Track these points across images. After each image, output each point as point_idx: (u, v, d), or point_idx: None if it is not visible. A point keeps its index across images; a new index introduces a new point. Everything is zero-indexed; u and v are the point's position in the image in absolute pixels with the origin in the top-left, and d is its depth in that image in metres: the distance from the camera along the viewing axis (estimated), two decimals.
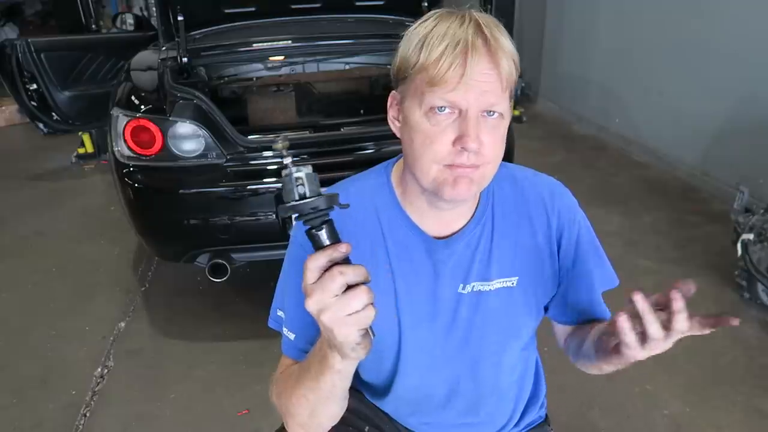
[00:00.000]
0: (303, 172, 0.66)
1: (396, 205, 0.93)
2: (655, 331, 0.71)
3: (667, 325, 0.71)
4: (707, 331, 0.72)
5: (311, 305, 0.67)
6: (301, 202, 0.66)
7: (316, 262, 0.67)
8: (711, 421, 1.97)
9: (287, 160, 0.67)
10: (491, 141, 0.81)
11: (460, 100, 0.78)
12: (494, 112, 0.80)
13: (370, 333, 0.71)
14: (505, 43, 0.80)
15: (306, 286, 0.68)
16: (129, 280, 2.93)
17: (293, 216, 0.68)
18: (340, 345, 0.70)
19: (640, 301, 0.70)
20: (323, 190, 0.68)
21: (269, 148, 2.28)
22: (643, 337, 0.72)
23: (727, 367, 2.21)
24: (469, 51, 0.77)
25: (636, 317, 0.72)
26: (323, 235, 0.68)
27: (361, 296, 0.67)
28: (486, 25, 0.79)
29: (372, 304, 0.68)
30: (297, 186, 0.66)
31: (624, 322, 0.72)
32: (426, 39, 0.80)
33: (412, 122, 0.83)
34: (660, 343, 0.72)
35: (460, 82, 0.77)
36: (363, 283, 0.68)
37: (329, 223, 0.69)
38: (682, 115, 3.93)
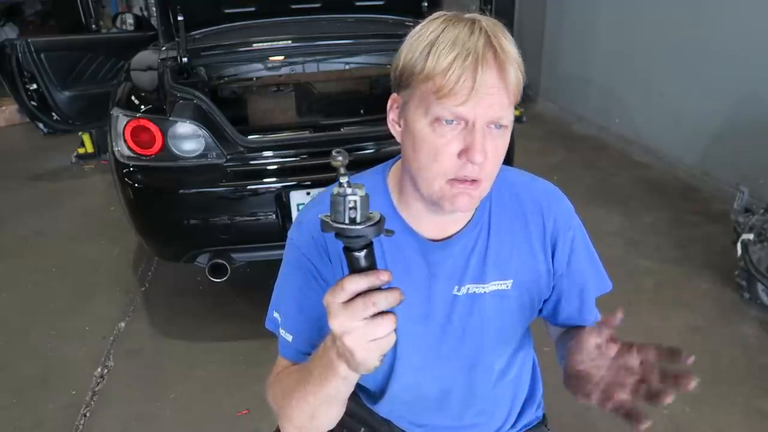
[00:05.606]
0: (358, 196, 0.63)
1: (391, 208, 0.93)
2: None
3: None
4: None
5: (336, 326, 0.66)
6: (350, 227, 0.63)
7: (356, 285, 0.65)
8: (711, 422, 1.97)
9: (344, 179, 0.63)
10: (495, 153, 0.81)
11: (467, 113, 0.77)
12: (500, 125, 0.80)
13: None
14: (512, 51, 0.79)
15: (332, 304, 0.66)
16: (129, 280, 2.93)
17: (334, 234, 0.65)
18: (356, 364, 0.69)
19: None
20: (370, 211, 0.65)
21: (269, 148, 2.28)
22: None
23: (727, 367, 2.21)
24: (479, 64, 0.75)
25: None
26: (362, 257, 0.65)
27: (387, 324, 0.66)
28: (494, 34, 0.78)
29: (395, 330, 0.67)
30: (349, 209, 0.63)
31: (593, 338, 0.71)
32: (433, 46, 0.77)
33: (416, 131, 0.81)
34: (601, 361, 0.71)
35: (469, 96, 0.76)
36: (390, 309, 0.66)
37: (370, 245, 0.66)
38: (682, 116, 3.93)
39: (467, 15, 0.80)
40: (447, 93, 0.76)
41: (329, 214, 0.65)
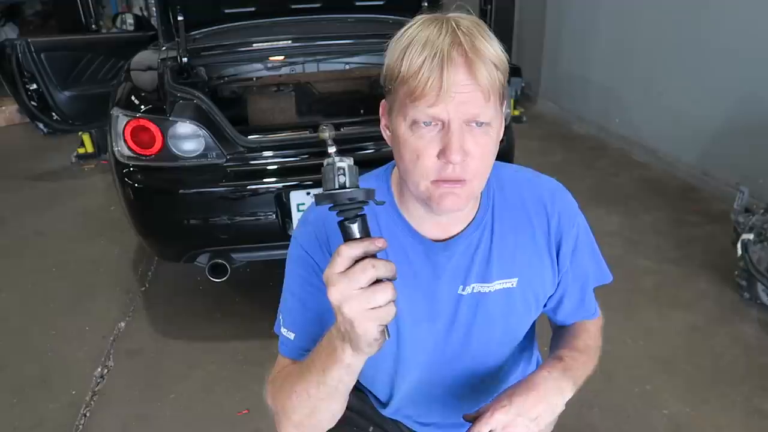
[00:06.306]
0: (345, 163, 0.67)
1: (394, 209, 0.93)
2: None
3: None
4: None
5: (335, 294, 0.67)
6: (340, 191, 0.66)
7: (352, 251, 0.66)
8: (711, 421, 1.97)
9: (332, 149, 0.68)
10: (478, 152, 0.79)
11: (441, 113, 0.77)
12: (480, 122, 0.79)
13: (386, 332, 0.71)
14: (485, 48, 0.77)
15: (331, 275, 0.67)
16: (129, 280, 2.93)
17: (329, 206, 0.68)
18: (357, 338, 0.69)
19: None
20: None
21: (269, 148, 2.28)
22: None
23: (727, 367, 2.21)
24: (445, 64, 0.75)
25: None
26: (356, 228, 0.68)
27: (386, 291, 0.67)
28: (466, 32, 0.76)
29: (393, 302, 0.68)
30: (338, 175, 0.66)
31: None
32: (407, 50, 0.78)
33: (399, 135, 0.82)
34: None
35: (439, 96, 0.76)
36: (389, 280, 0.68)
37: (363, 217, 0.69)
38: (682, 115, 3.93)
39: (446, 15, 0.80)
40: (418, 95, 0.77)
41: (321, 191, 0.68)
